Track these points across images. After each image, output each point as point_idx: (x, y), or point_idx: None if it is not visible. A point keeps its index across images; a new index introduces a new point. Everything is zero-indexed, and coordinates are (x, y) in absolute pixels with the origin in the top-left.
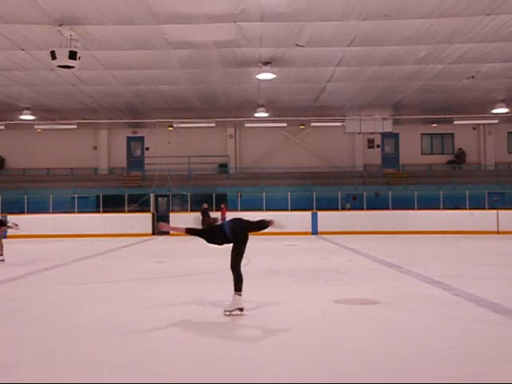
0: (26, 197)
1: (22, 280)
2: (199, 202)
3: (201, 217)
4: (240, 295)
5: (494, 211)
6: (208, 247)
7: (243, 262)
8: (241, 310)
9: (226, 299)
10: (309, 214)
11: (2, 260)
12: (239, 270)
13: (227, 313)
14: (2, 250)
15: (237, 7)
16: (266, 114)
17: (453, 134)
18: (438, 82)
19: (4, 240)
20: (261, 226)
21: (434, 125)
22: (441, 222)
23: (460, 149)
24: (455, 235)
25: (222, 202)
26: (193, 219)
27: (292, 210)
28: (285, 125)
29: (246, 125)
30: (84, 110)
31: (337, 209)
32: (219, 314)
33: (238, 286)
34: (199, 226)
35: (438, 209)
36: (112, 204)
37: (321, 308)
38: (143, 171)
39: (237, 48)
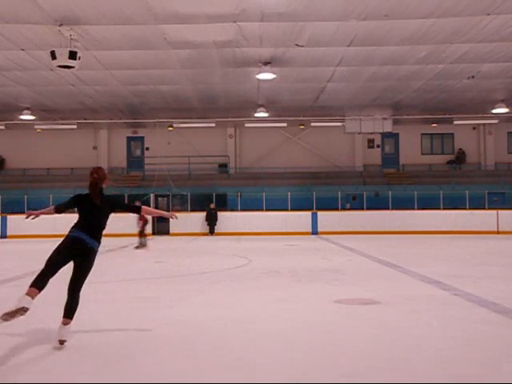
0: (26, 197)
1: (22, 280)
2: (199, 202)
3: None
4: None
5: (494, 211)
6: (208, 247)
7: (243, 262)
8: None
9: (226, 299)
10: (309, 213)
11: None
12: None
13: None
14: None
15: (237, 7)
16: (266, 114)
17: (453, 134)
18: (437, 81)
19: (3, 240)
20: None
21: (434, 125)
22: (441, 222)
23: (460, 149)
24: (455, 235)
25: (137, 200)
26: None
27: (292, 209)
28: (285, 125)
29: (246, 125)
30: (84, 109)
31: (337, 209)
32: (219, 314)
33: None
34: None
35: (438, 209)
36: None
37: (321, 308)
38: (143, 171)
39: (237, 48)
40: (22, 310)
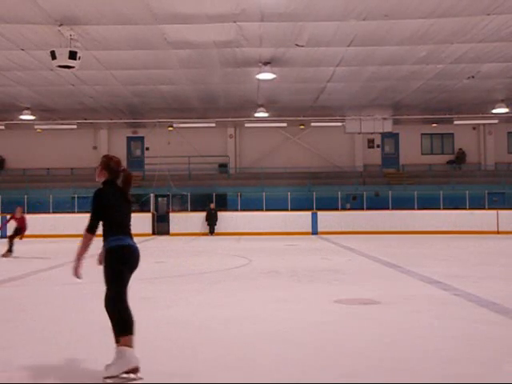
0: (26, 197)
1: (22, 280)
2: (199, 202)
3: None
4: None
5: (494, 211)
6: (208, 247)
7: (243, 262)
8: (134, 371)
9: (226, 299)
10: (309, 213)
11: None
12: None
13: (108, 380)
14: None
15: (237, 7)
16: (265, 114)
17: (453, 134)
18: (437, 82)
19: (3, 240)
20: None
21: (434, 125)
22: (441, 222)
23: (460, 149)
24: (455, 235)
25: (19, 206)
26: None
27: (292, 209)
28: (285, 125)
29: (246, 125)
30: (84, 109)
31: (337, 209)
32: (219, 315)
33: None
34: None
35: (438, 209)
36: None
37: (321, 308)
38: (143, 171)
39: (237, 48)
40: (137, 372)
